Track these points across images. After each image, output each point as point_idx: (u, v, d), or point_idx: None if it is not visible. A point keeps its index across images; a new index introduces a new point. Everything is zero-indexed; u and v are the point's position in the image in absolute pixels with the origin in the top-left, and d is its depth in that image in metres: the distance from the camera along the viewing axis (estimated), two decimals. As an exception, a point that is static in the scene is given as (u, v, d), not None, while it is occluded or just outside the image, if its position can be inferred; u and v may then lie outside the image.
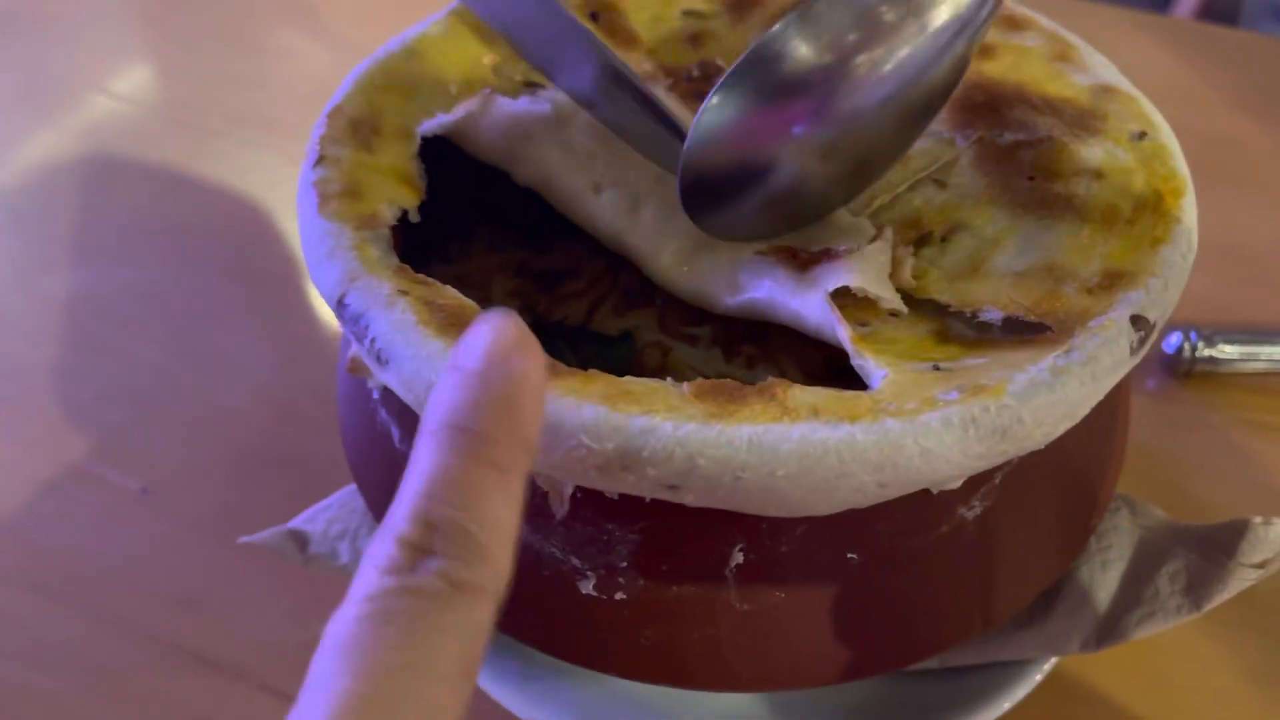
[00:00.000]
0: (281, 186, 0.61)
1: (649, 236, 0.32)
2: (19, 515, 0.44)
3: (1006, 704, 0.33)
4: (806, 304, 0.28)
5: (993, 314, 0.27)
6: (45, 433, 0.48)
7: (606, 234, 0.32)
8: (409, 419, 0.30)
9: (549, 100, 0.33)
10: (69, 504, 0.45)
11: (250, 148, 0.64)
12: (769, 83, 0.28)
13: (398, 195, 0.31)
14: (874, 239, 0.30)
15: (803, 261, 0.29)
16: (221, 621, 0.41)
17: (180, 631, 0.40)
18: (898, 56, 0.28)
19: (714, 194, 0.30)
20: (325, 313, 0.54)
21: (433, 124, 0.33)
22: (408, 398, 0.26)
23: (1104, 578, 0.34)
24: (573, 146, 0.33)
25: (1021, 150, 0.32)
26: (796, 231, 0.32)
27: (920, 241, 0.32)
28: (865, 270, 0.28)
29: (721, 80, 0.28)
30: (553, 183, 0.33)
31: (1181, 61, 0.68)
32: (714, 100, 0.28)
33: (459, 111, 0.33)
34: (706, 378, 0.32)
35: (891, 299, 0.28)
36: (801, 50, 0.28)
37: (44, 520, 0.44)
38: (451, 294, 0.28)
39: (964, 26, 0.28)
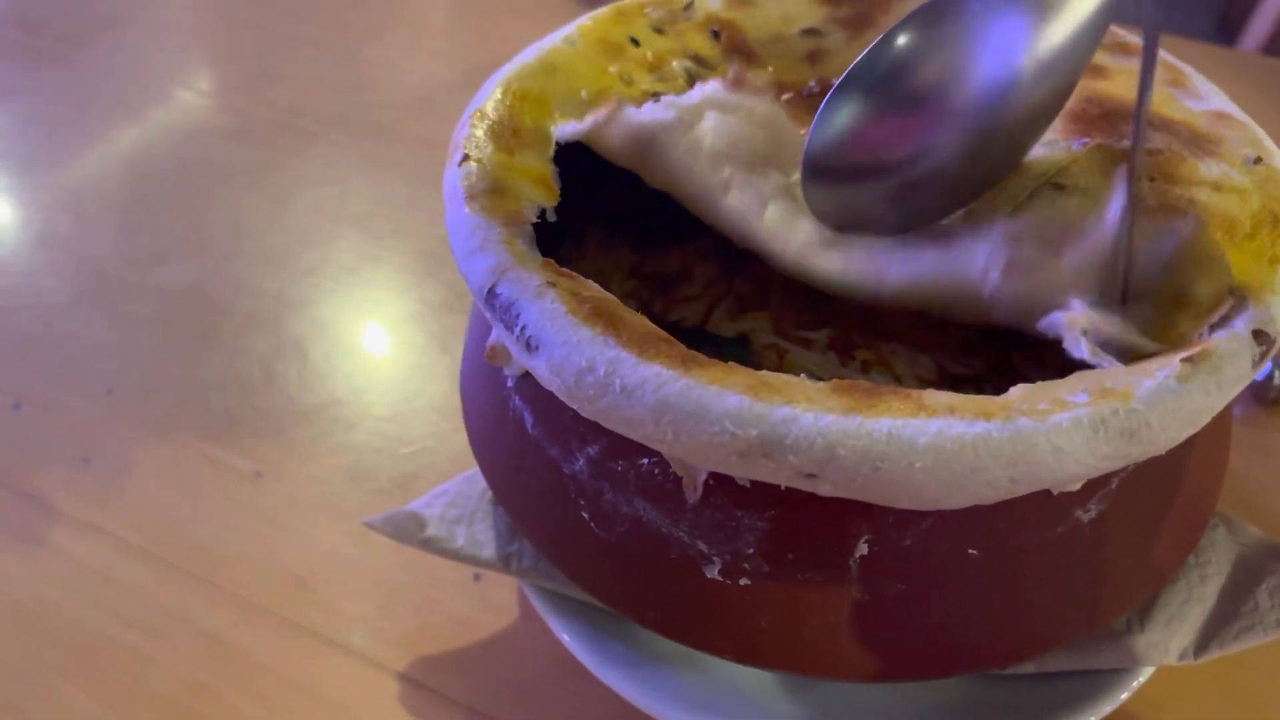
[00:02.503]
0: (373, 189, 0.64)
1: (776, 231, 0.33)
2: (140, 490, 0.47)
3: (1103, 710, 0.34)
4: (985, 252, 0.29)
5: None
6: (164, 415, 0.50)
7: (734, 231, 0.34)
8: (544, 404, 0.31)
9: (673, 106, 0.35)
10: (187, 482, 0.47)
11: (345, 152, 0.67)
12: (881, 89, 0.30)
13: (536, 195, 0.33)
14: None
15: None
16: (330, 600, 0.42)
17: (290, 607, 0.42)
18: (1010, 70, 0.30)
19: (833, 194, 0.32)
20: (421, 309, 0.56)
21: (566, 131, 0.35)
22: (554, 383, 0.28)
23: (1202, 591, 0.34)
24: (699, 150, 0.34)
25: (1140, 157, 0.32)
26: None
27: None
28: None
29: (836, 86, 0.30)
30: (680, 185, 0.34)
31: (1250, 93, 0.68)
32: (829, 105, 0.30)
33: (588, 121, 0.35)
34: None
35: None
36: (912, 59, 0.30)
37: (163, 496, 0.46)
38: (594, 287, 0.29)
39: (1079, 38, 0.30)
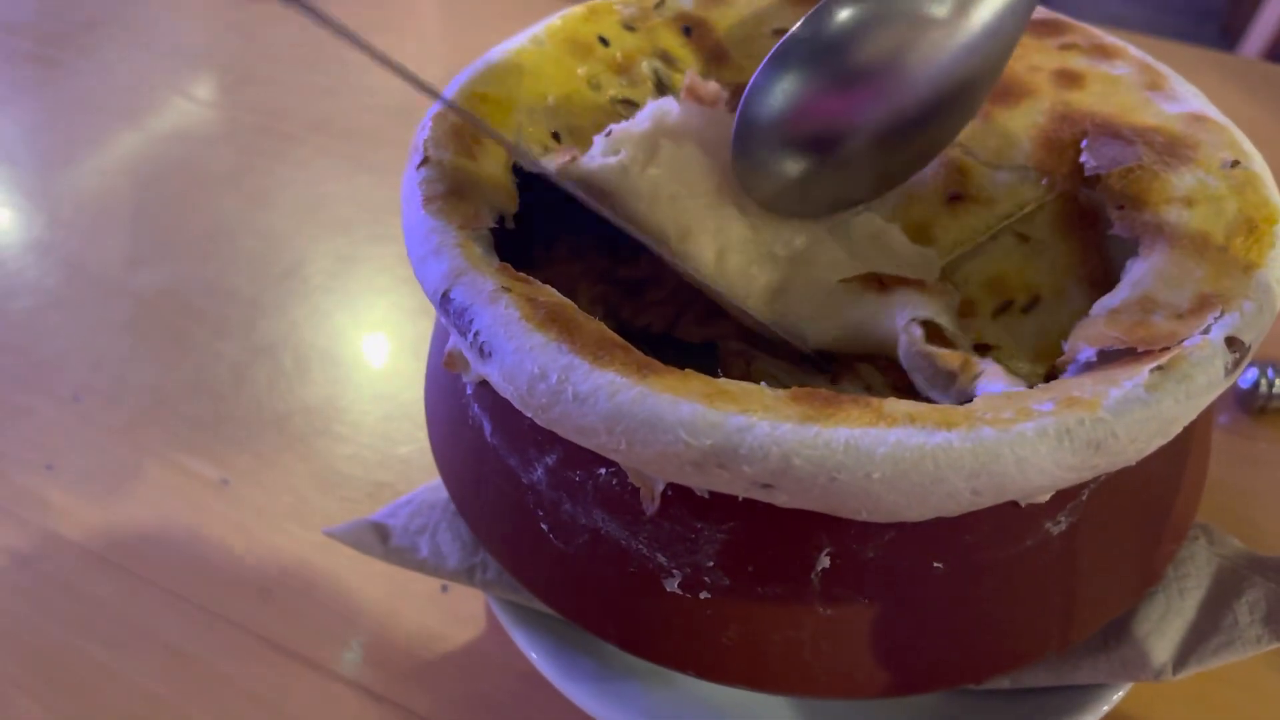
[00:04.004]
0: (354, 192, 0.63)
1: (734, 283, 0.33)
2: (104, 499, 0.46)
3: (1078, 727, 0.33)
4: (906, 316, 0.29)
5: (1087, 353, 0.27)
6: (132, 421, 0.49)
7: (693, 279, 0.33)
8: (502, 412, 0.31)
9: (624, 143, 0.33)
10: (152, 491, 0.46)
11: (326, 155, 0.66)
12: (809, 63, 0.31)
13: (496, 201, 0.32)
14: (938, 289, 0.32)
15: (886, 285, 0.30)
16: (294, 611, 0.42)
17: (254, 618, 0.41)
18: (939, 45, 0.30)
19: (760, 170, 0.32)
20: (396, 314, 0.55)
21: (524, 163, 0.34)
22: (507, 390, 0.27)
23: (1181, 605, 0.34)
24: (657, 196, 0.33)
25: (1111, 180, 0.32)
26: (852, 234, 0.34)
27: (1001, 308, 0.33)
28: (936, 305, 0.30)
29: (765, 61, 0.30)
30: (639, 228, 0.34)
31: (1250, 99, 0.68)
32: (756, 79, 0.31)
33: (541, 166, 0.34)
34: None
35: (963, 338, 0.29)
36: (840, 35, 0.30)
37: (128, 505, 0.46)
38: (551, 292, 0.29)
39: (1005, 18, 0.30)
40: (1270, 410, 0.46)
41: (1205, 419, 0.34)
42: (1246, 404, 0.46)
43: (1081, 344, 0.28)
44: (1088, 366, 0.27)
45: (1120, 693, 0.33)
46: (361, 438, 0.48)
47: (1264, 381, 0.45)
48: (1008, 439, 0.23)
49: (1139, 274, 0.29)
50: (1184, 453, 0.32)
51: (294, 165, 0.65)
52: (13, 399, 0.50)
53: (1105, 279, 0.32)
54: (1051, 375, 0.29)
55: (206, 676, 0.40)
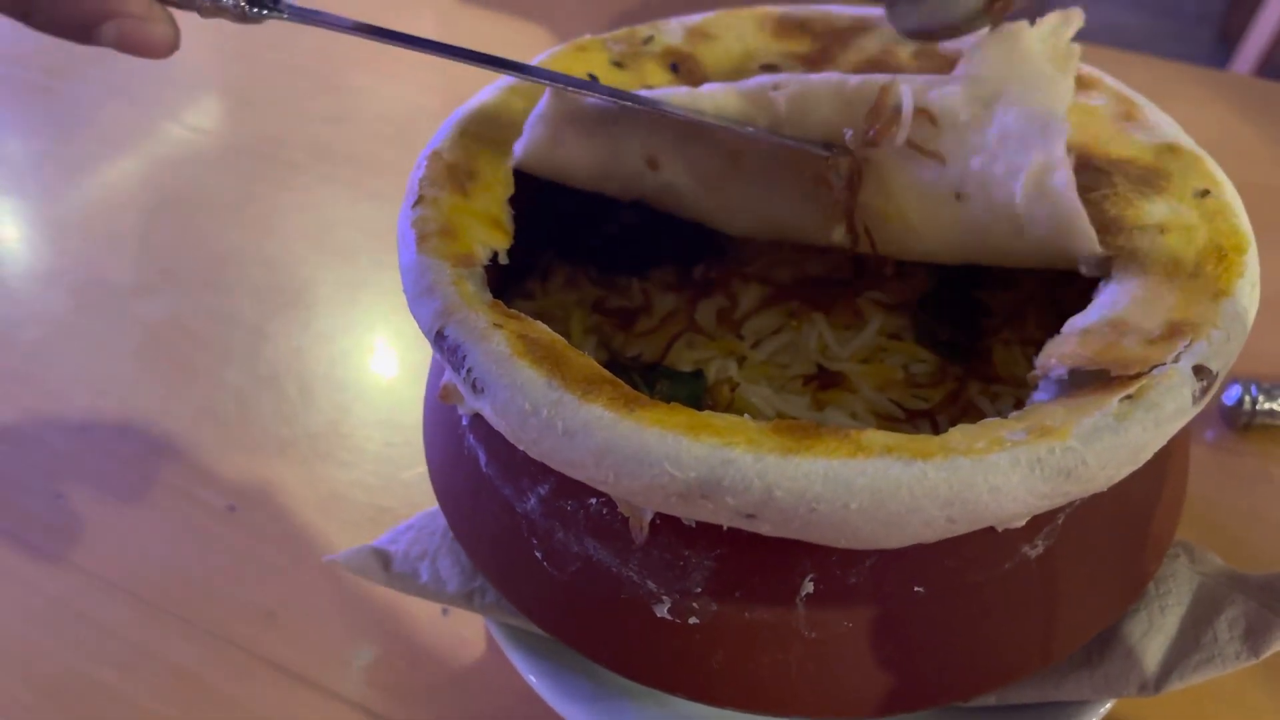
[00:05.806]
0: (356, 219, 0.64)
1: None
2: (113, 525, 0.47)
3: (1063, 743, 0.34)
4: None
5: (1059, 370, 0.28)
6: (141, 449, 0.50)
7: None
8: (496, 444, 0.32)
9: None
10: (161, 517, 0.47)
11: (328, 182, 0.67)
12: None
13: (489, 238, 0.33)
14: None
15: None
16: (299, 634, 0.42)
17: (260, 641, 0.42)
18: None
19: None
20: (399, 341, 0.56)
21: (520, 144, 0.35)
22: (499, 424, 0.28)
23: (1162, 622, 0.34)
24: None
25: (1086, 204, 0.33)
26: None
27: None
28: None
29: None
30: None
31: (1241, 116, 0.69)
32: None
33: (532, 118, 0.35)
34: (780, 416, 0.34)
35: None
36: None
37: (136, 531, 0.47)
38: (542, 328, 0.29)
39: None
40: (1254, 426, 0.47)
41: (1182, 440, 0.34)
42: (1231, 420, 0.47)
43: (1053, 361, 0.28)
44: (1059, 384, 0.28)
45: (1104, 708, 0.34)
46: (365, 463, 0.49)
47: (1247, 398, 0.46)
48: (981, 468, 0.24)
49: (1111, 297, 0.30)
50: (1160, 474, 0.33)
51: (297, 192, 0.66)
52: (22, 428, 0.51)
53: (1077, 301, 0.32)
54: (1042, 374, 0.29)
55: (213, 699, 0.41)
